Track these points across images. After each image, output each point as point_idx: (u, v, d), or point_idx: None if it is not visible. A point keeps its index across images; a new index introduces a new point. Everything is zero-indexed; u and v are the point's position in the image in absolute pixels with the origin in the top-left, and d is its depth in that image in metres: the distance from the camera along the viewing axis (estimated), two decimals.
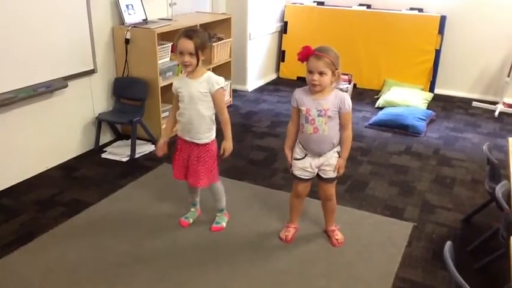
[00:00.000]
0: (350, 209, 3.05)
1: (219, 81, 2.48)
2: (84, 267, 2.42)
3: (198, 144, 2.55)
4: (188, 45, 2.37)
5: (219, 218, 2.83)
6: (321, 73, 2.26)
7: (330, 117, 2.36)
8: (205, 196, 2.94)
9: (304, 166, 2.50)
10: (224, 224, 2.81)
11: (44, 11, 3.20)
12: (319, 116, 2.36)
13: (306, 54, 2.27)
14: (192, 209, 2.90)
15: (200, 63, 2.45)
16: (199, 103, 2.47)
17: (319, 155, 2.46)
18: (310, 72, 2.28)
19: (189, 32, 2.41)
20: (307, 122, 2.39)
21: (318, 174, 2.53)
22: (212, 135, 2.59)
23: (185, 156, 2.61)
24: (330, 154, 2.47)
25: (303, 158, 2.50)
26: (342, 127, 2.42)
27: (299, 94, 2.42)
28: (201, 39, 2.41)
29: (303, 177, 2.54)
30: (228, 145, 2.56)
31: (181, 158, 2.63)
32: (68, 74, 3.47)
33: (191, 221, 2.85)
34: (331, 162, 2.48)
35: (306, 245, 2.66)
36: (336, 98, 2.35)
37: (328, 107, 2.34)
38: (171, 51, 4.15)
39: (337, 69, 2.29)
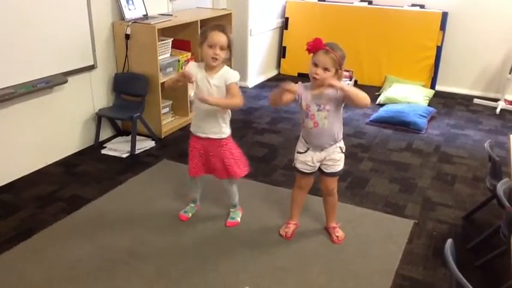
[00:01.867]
0: (350, 206, 3.04)
1: (235, 75, 2.49)
2: (84, 263, 2.42)
3: (213, 140, 2.56)
4: (223, 38, 2.39)
5: (233, 214, 2.84)
6: (325, 69, 2.26)
7: (329, 111, 2.36)
8: (204, 192, 2.93)
9: (305, 160, 2.50)
10: (239, 219, 2.82)
11: (43, 6, 3.18)
12: (318, 110, 2.36)
13: (316, 47, 2.27)
14: (192, 205, 2.91)
15: (226, 59, 2.46)
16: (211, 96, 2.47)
17: (321, 149, 2.46)
18: (315, 65, 2.28)
19: (222, 27, 2.42)
20: (307, 117, 2.40)
21: (320, 168, 2.53)
22: (227, 131, 2.60)
23: (201, 152, 2.62)
24: (332, 149, 2.47)
25: (306, 151, 2.50)
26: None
27: (301, 89, 2.40)
28: (231, 37, 2.44)
29: (304, 170, 2.54)
30: (208, 98, 2.40)
31: (197, 154, 2.63)
32: (68, 70, 3.45)
33: (190, 215, 2.86)
34: (333, 157, 2.48)
35: (306, 242, 2.66)
36: (334, 90, 2.33)
37: (326, 101, 2.34)
38: (172, 47, 4.14)
39: (340, 68, 2.29)
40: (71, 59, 3.47)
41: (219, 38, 2.38)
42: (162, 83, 3.90)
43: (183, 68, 2.41)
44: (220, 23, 2.51)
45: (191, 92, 4.27)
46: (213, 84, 2.46)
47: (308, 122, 2.41)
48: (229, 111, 2.59)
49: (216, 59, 2.41)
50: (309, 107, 2.37)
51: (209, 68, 2.48)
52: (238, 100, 2.48)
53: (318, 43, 2.27)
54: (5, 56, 2.99)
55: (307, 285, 2.33)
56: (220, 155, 2.60)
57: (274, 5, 5.95)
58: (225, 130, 2.58)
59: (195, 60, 4.30)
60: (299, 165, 2.55)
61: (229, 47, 2.42)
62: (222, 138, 2.58)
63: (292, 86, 2.29)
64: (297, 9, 6.06)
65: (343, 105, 2.41)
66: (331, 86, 2.25)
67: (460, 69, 5.59)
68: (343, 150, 2.52)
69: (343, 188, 3.23)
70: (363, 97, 2.29)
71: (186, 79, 2.49)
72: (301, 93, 2.38)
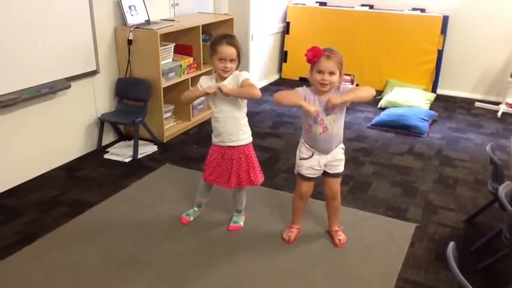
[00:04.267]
0: (352, 209, 3.05)
1: (244, 74, 2.52)
2: (87, 268, 2.43)
3: (231, 147, 2.60)
4: (231, 51, 2.43)
5: (236, 218, 2.85)
6: (331, 73, 2.28)
7: (337, 114, 2.38)
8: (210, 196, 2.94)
9: (312, 165, 2.50)
10: (242, 224, 2.83)
11: (46, 12, 3.21)
12: (327, 115, 2.37)
13: (316, 55, 2.28)
14: (196, 209, 2.92)
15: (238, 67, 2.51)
16: (231, 103, 2.51)
17: (327, 152, 2.47)
18: (320, 72, 2.29)
19: (229, 39, 2.46)
20: (316, 122, 2.40)
21: (324, 171, 2.54)
22: (248, 138, 2.63)
23: (218, 161, 2.65)
24: (337, 150, 2.49)
25: (310, 156, 2.50)
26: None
27: (305, 93, 2.40)
28: (239, 45, 2.48)
29: (310, 176, 2.54)
30: (223, 88, 2.44)
31: (214, 163, 2.66)
32: (71, 75, 3.47)
33: (192, 218, 2.87)
34: (338, 158, 2.50)
35: (308, 246, 2.66)
36: (337, 91, 2.36)
37: (334, 105, 2.35)
38: (174, 52, 4.16)
39: (342, 69, 2.32)
40: (74, 65, 3.50)
41: (228, 51, 2.42)
42: (165, 88, 3.92)
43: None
44: (228, 33, 2.55)
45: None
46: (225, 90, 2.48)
47: (317, 128, 2.41)
48: (246, 117, 2.61)
49: (228, 71, 2.46)
50: (318, 112, 2.38)
51: (221, 79, 2.52)
52: (254, 89, 2.46)
53: (317, 51, 2.29)
54: (9, 61, 3.01)
55: None
56: (237, 162, 2.62)
57: (275, 10, 5.97)
58: (244, 137, 2.61)
59: (197, 65, 4.33)
60: (305, 171, 2.54)
61: (238, 56, 2.47)
62: (241, 146, 2.61)
63: (311, 108, 2.30)
64: (298, 14, 6.09)
65: (346, 105, 2.43)
66: (334, 106, 2.30)
67: (461, 73, 5.60)
68: (344, 150, 2.55)
69: (346, 191, 3.24)
70: (366, 96, 2.35)
71: (210, 95, 2.51)
72: (309, 99, 2.38)
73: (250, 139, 2.66)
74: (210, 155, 2.69)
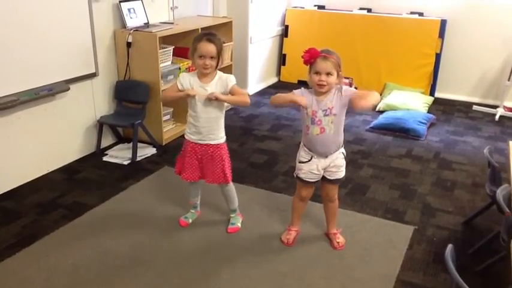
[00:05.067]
0: (351, 212, 3.05)
1: (231, 79, 2.55)
2: (86, 270, 2.43)
3: (211, 145, 2.60)
4: (211, 48, 2.43)
5: (233, 219, 2.85)
6: (328, 74, 2.29)
7: (336, 115, 2.38)
8: (205, 198, 2.95)
9: (310, 169, 2.51)
10: (239, 225, 2.83)
11: (46, 15, 3.21)
12: (325, 115, 2.38)
13: (313, 56, 2.30)
14: (192, 211, 2.92)
15: (218, 65, 2.50)
16: (213, 104, 2.51)
17: (326, 156, 2.47)
18: (317, 73, 2.31)
19: (209, 36, 2.46)
20: (313, 123, 2.40)
21: (323, 176, 2.54)
22: (224, 136, 2.64)
23: (197, 157, 2.64)
24: (336, 155, 2.48)
25: (309, 160, 2.50)
26: (359, 99, 2.29)
27: (302, 94, 2.41)
28: (220, 43, 2.48)
29: (308, 180, 2.54)
30: (219, 96, 2.45)
31: (193, 160, 2.65)
32: (70, 77, 3.48)
33: (190, 221, 2.88)
34: (337, 163, 2.49)
35: (307, 248, 2.67)
36: (338, 95, 2.37)
37: (332, 105, 2.36)
38: (173, 55, 4.17)
39: (340, 70, 2.33)
40: (73, 67, 3.50)
41: (208, 48, 2.43)
42: (163, 91, 3.92)
43: (178, 80, 2.47)
44: (209, 31, 2.55)
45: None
46: (210, 91, 2.49)
47: (314, 129, 2.41)
48: (224, 117, 2.62)
49: (208, 68, 2.46)
50: (316, 112, 2.38)
51: (202, 76, 2.53)
52: (246, 98, 2.55)
53: (314, 52, 2.31)
54: (8, 63, 3.01)
55: None
56: (217, 159, 2.62)
57: (274, 13, 5.99)
58: (222, 135, 2.63)
59: (195, 69, 4.32)
60: (303, 175, 2.54)
61: (219, 54, 2.46)
62: (220, 143, 2.62)
63: (302, 100, 2.32)
64: (297, 17, 6.11)
65: (346, 108, 2.43)
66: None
67: (459, 76, 5.62)
68: (345, 156, 2.54)
69: (344, 194, 3.25)
70: (375, 100, 2.32)
71: (191, 97, 2.52)
72: (307, 100, 2.39)
73: (225, 138, 2.67)
74: (188, 152, 2.65)
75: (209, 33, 2.49)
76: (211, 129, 2.57)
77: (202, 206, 2.95)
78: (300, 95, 2.40)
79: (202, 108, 2.53)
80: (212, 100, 2.46)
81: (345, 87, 2.39)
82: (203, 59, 2.44)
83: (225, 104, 2.56)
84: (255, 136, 4.36)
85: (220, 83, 2.52)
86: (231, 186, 2.77)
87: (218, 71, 2.57)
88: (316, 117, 2.39)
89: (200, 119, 2.55)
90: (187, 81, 2.55)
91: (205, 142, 2.60)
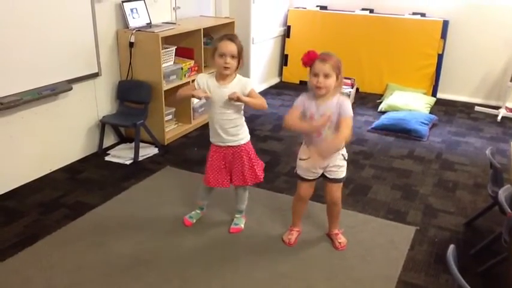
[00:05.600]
0: (353, 212, 3.05)
1: (250, 81, 2.57)
2: (88, 270, 2.43)
3: (231, 147, 2.62)
4: (232, 47, 2.44)
5: (237, 220, 2.86)
6: (326, 75, 2.29)
7: (332, 122, 2.37)
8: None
9: (308, 166, 2.52)
10: (242, 226, 2.84)
11: (49, 15, 3.22)
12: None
13: (311, 58, 2.31)
14: (198, 211, 2.92)
15: (238, 67, 2.51)
16: (232, 107, 2.53)
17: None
18: (315, 75, 2.31)
19: (230, 36, 2.50)
20: None
21: (324, 175, 2.54)
22: (247, 135, 2.66)
23: (222, 162, 2.66)
24: (335, 156, 2.48)
25: (308, 158, 2.50)
26: (338, 130, 2.32)
27: (305, 99, 2.42)
28: (241, 45, 2.50)
29: (306, 177, 2.55)
30: (241, 97, 2.46)
31: (218, 165, 2.67)
32: (73, 77, 3.48)
33: (194, 220, 2.88)
34: (336, 163, 2.50)
35: (308, 248, 2.67)
36: (337, 104, 2.36)
37: (329, 113, 2.36)
38: (176, 55, 4.17)
39: (340, 73, 2.33)
40: (76, 67, 3.51)
41: (229, 47, 2.44)
42: (166, 91, 3.93)
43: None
44: (229, 33, 2.57)
45: (194, 100, 4.32)
46: (228, 93, 2.48)
47: None
48: (243, 116, 2.64)
49: (228, 67, 2.46)
50: (313, 115, 2.39)
51: (222, 78, 2.53)
52: (264, 102, 2.57)
53: (312, 55, 2.32)
54: (11, 63, 3.02)
55: None
56: (238, 160, 2.64)
57: (276, 14, 6.00)
58: (242, 136, 2.64)
59: (198, 68, 4.34)
60: (301, 172, 2.56)
61: (239, 54, 2.47)
62: (241, 144, 2.64)
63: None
64: (299, 18, 6.11)
65: None
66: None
67: (461, 77, 5.62)
68: (346, 157, 2.54)
69: (346, 194, 3.25)
70: (342, 138, 2.29)
71: (205, 98, 2.54)
72: (308, 105, 2.40)
73: (249, 137, 2.68)
74: (210, 156, 2.69)
75: (230, 34, 2.54)
76: (231, 131, 2.59)
77: (206, 205, 2.96)
78: (302, 101, 2.40)
79: (220, 109, 2.54)
80: (233, 100, 2.46)
81: (346, 105, 2.34)
82: (224, 58, 2.44)
83: (241, 106, 2.57)
84: (257, 136, 4.37)
85: (240, 85, 2.52)
86: (247, 189, 2.79)
87: (238, 74, 2.56)
88: (313, 121, 2.39)
89: (219, 122, 2.57)
90: (205, 81, 2.56)
91: (226, 144, 2.62)
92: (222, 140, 2.61)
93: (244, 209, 2.87)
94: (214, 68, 2.53)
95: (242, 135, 2.64)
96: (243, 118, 2.65)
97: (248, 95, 2.52)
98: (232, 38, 2.48)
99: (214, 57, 2.49)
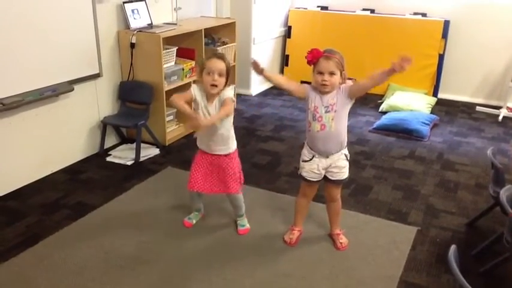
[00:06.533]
0: (354, 212, 3.05)
1: (230, 91, 2.54)
2: (89, 270, 2.44)
3: (220, 155, 2.61)
4: (220, 65, 2.43)
5: (241, 221, 2.85)
6: (331, 73, 2.31)
7: (337, 112, 2.38)
8: (208, 199, 2.95)
9: (311, 168, 2.51)
10: (249, 226, 2.84)
11: (50, 16, 3.23)
12: (326, 112, 2.39)
13: (315, 56, 2.32)
14: (196, 213, 2.93)
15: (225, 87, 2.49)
16: (219, 124, 2.51)
17: (327, 155, 2.47)
18: (320, 73, 2.32)
19: (220, 55, 2.52)
20: (314, 119, 2.42)
21: (325, 176, 2.55)
22: (235, 144, 2.65)
23: (206, 167, 2.65)
24: (338, 156, 2.48)
25: (311, 159, 2.51)
26: (366, 80, 2.42)
27: (310, 90, 2.44)
28: (229, 64, 2.50)
29: (310, 179, 2.55)
30: (213, 119, 2.43)
31: (201, 169, 2.66)
32: (74, 78, 3.49)
33: (194, 221, 2.88)
34: (338, 164, 2.50)
35: (310, 248, 2.67)
36: (340, 90, 2.38)
37: (334, 101, 2.37)
38: (177, 55, 4.18)
39: (343, 70, 2.35)
40: (77, 68, 3.51)
41: (217, 64, 2.43)
42: (167, 91, 3.94)
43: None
44: (218, 52, 2.56)
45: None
46: (212, 113, 2.49)
47: (315, 125, 2.42)
48: (232, 125, 2.62)
49: (216, 85, 2.44)
50: (317, 108, 2.40)
51: (209, 96, 2.51)
52: (227, 109, 2.45)
53: (316, 53, 2.32)
54: (12, 64, 3.03)
55: None
56: (225, 168, 2.63)
57: (277, 14, 6.00)
58: (231, 145, 2.63)
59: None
60: (305, 174, 2.56)
61: (227, 73, 2.46)
62: (230, 153, 2.63)
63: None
64: (300, 18, 6.11)
65: (350, 107, 2.44)
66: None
67: (462, 77, 5.62)
68: (348, 158, 2.54)
69: (347, 195, 3.25)
70: (380, 80, 2.42)
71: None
72: (314, 96, 2.41)
73: (236, 146, 2.67)
74: (196, 162, 2.67)
75: (219, 53, 2.55)
76: (220, 141, 2.58)
77: (205, 207, 2.96)
78: (309, 90, 2.42)
79: (207, 130, 2.52)
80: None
81: (343, 86, 2.39)
82: (212, 75, 2.42)
83: (230, 119, 2.56)
84: (258, 137, 4.37)
85: (219, 100, 2.51)
86: (238, 196, 2.76)
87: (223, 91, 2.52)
88: (318, 113, 2.40)
89: (206, 135, 2.57)
90: (197, 94, 2.53)
91: (215, 153, 2.61)
92: (210, 148, 2.61)
93: (244, 212, 2.85)
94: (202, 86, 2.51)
95: (231, 144, 2.63)
96: (232, 130, 2.62)
97: (223, 102, 2.48)
98: (221, 56, 2.50)
99: (202, 75, 2.47)
